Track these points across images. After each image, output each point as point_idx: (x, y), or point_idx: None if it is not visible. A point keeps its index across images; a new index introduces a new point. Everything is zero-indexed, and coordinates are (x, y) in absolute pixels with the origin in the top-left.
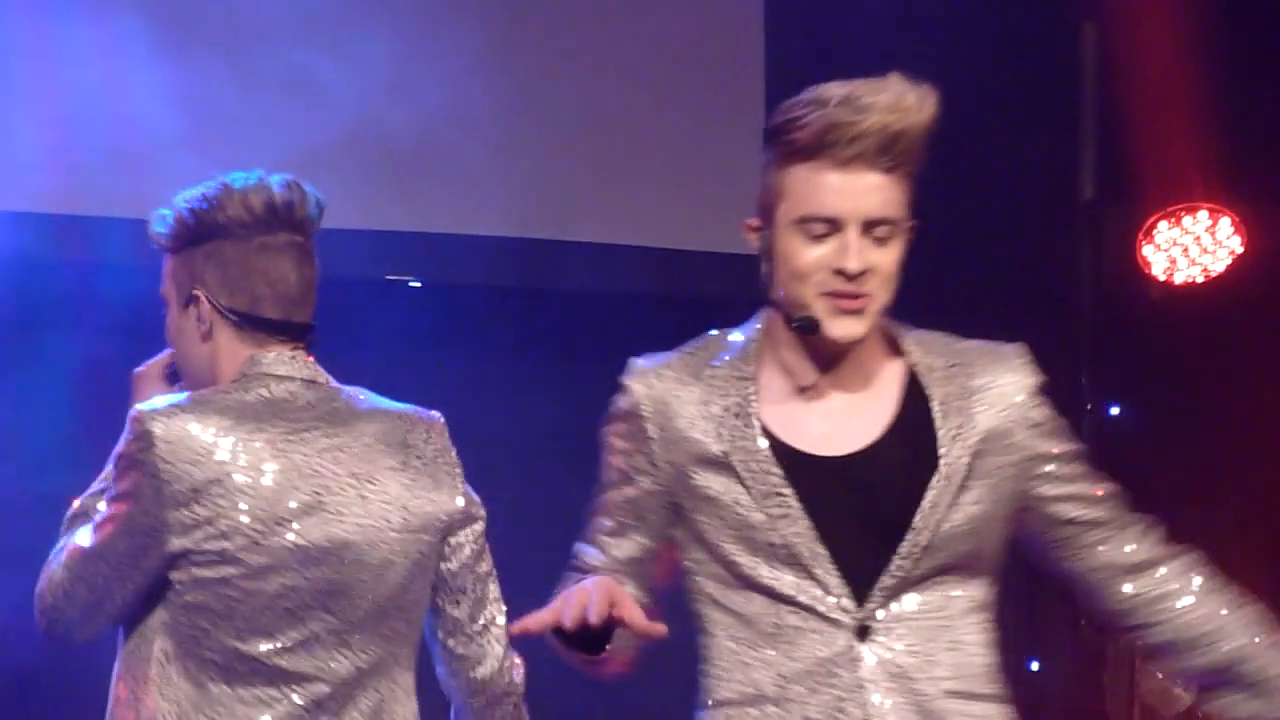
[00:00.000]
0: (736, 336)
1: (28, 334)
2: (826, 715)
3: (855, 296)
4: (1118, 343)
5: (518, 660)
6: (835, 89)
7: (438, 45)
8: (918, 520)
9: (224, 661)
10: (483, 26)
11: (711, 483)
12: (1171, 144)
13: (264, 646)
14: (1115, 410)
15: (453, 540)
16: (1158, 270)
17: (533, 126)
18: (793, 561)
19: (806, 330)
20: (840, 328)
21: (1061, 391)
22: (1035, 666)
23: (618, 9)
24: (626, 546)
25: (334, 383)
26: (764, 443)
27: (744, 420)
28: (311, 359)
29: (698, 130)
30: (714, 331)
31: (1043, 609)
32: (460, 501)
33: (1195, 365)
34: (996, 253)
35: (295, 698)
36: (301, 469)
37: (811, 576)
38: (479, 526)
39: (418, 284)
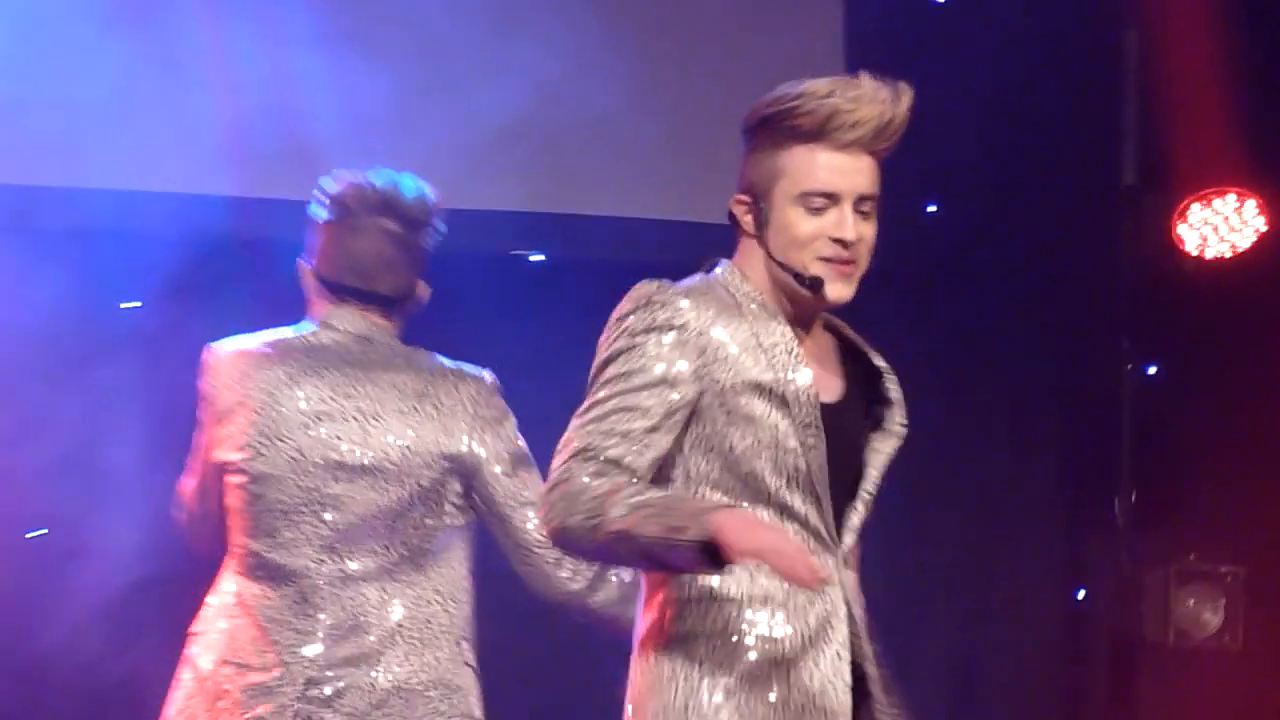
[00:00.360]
0: (731, 283)
1: (215, 304)
2: (820, 625)
3: (848, 262)
4: (1155, 310)
5: (581, 570)
6: (820, 84)
7: (558, 40)
8: (881, 474)
9: (241, 557)
10: (596, 18)
11: (755, 406)
12: (1204, 135)
13: (264, 543)
14: (1152, 370)
15: (475, 481)
16: (1191, 247)
17: (646, 115)
18: (808, 487)
19: (815, 289)
20: (836, 290)
21: (1105, 353)
22: (1080, 595)
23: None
24: (660, 445)
25: (395, 343)
26: (810, 380)
27: (794, 357)
28: (383, 322)
29: None
30: (699, 277)
31: (1086, 544)
32: (468, 447)
33: (1223, 330)
34: (1048, 232)
35: (286, 590)
36: (309, 397)
37: (819, 503)
38: (493, 469)
39: (541, 257)
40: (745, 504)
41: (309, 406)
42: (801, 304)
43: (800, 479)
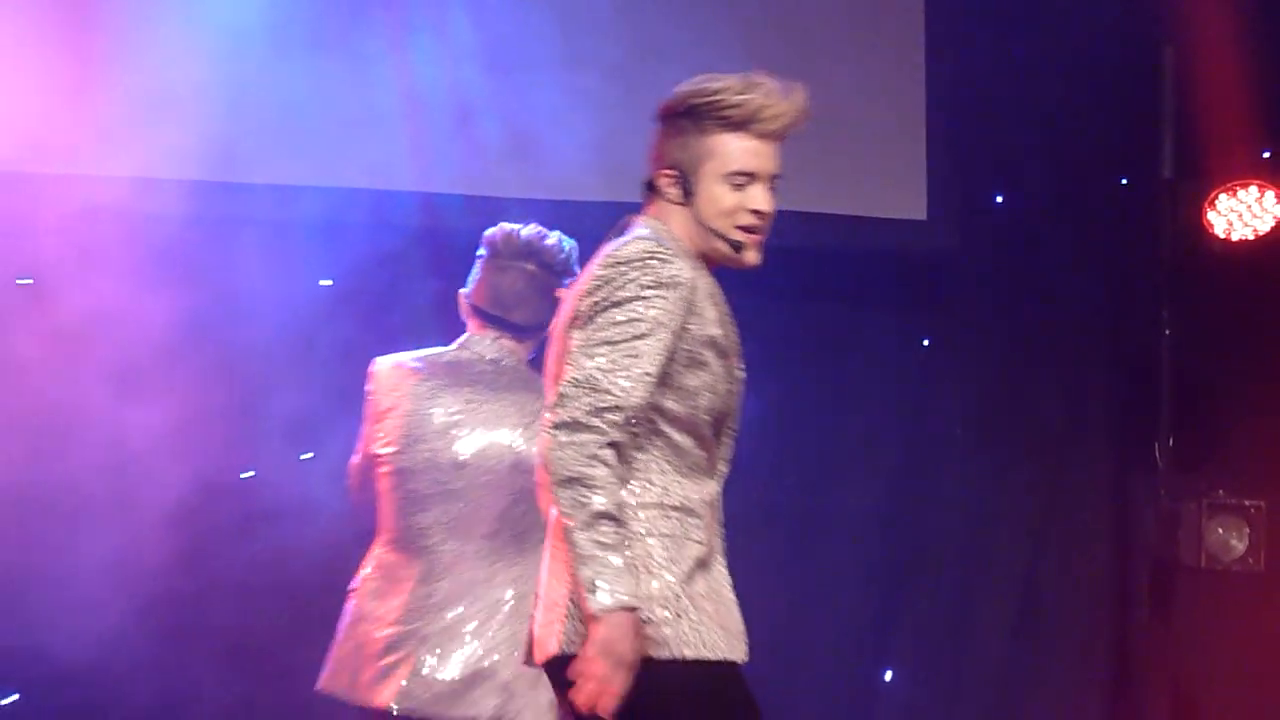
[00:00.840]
0: (672, 244)
1: (409, 286)
2: (714, 537)
3: (757, 231)
4: (1189, 283)
5: None
6: (733, 81)
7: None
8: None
9: (385, 531)
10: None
11: (708, 355)
12: (1230, 136)
13: (402, 523)
14: (1185, 334)
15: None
16: (1219, 230)
17: None
18: (720, 425)
19: (738, 250)
20: (750, 255)
21: (1147, 320)
22: (1126, 525)
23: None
24: (656, 382)
25: (521, 367)
26: (738, 339)
27: (730, 316)
28: (515, 346)
29: (864, 110)
30: (647, 231)
31: (1131, 482)
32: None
33: (1246, 300)
34: (1100, 217)
35: (416, 562)
36: (445, 408)
37: (723, 439)
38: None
39: None
40: (684, 433)
41: (445, 417)
42: (713, 264)
43: (719, 418)
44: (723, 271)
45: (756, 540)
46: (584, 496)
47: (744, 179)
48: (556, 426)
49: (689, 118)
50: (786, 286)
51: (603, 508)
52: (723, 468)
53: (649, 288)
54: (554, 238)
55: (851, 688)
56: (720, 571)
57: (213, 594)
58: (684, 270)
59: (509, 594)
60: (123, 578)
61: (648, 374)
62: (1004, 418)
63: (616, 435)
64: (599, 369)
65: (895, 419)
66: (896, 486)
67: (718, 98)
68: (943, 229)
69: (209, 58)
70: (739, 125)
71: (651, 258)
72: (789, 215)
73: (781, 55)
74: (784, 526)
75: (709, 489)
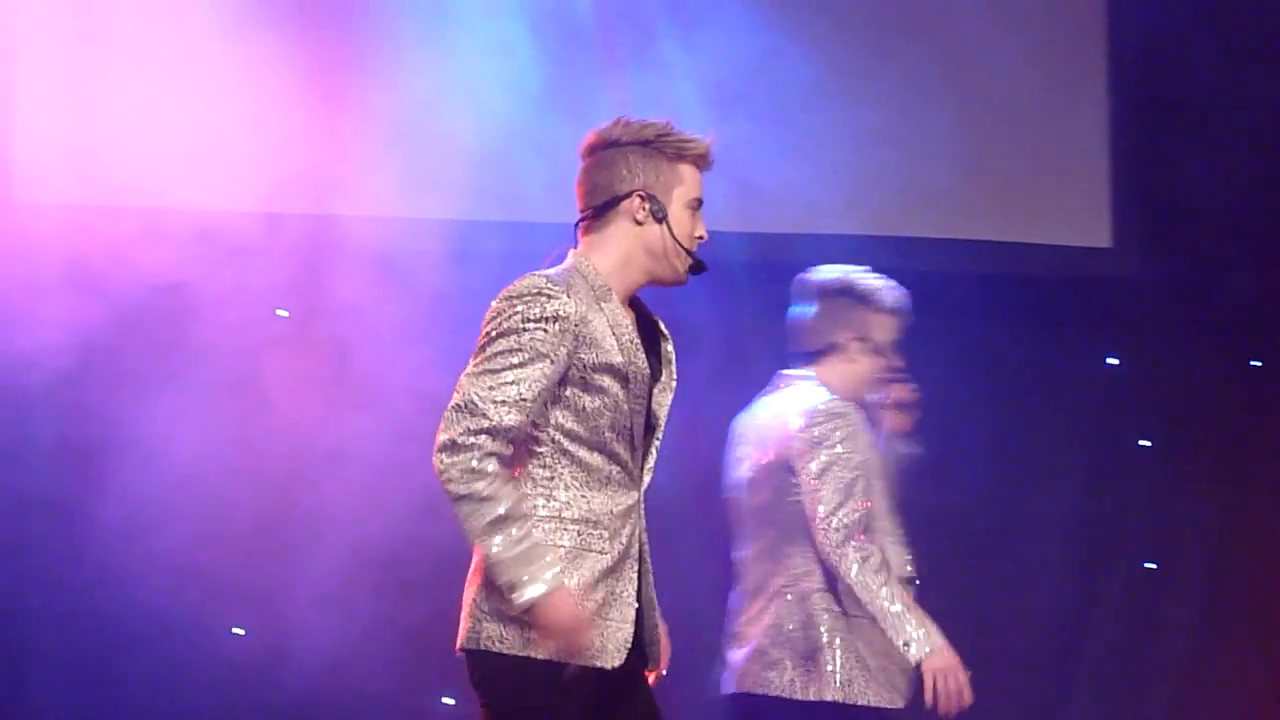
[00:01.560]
0: (589, 275)
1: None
2: (629, 544)
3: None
4: None
5: (852, 547)
6: (670, 122)
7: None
8: (664, 423)
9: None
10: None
11: (607, 380)
12: None
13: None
14: None
15: (797, 479)
16: None
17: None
18: (629, 440)
19: (696, 271)
20: (688, 272)
21: None
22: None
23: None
24: (538, 408)
25: (775, 392)
26: (645, 363)
27: (635, 345)
28: (808, 370)
29: (1051, 147)
30: (564, 266)
31: (1243, 470)
32: (799, 459)
33: None
34: (1271, 242)
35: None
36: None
37: (634, 451)
38: (807, 468)
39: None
40: (592, 451)
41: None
42: (639, 283)
43: (626, 434)
44: (931, 305)
45: (954, 538)
46: (478, 509)
47: (697, 206)
48: (440, 449)
49: (655, 146)
50: (988, 311)
51: (497, 514)
52: (648, 477)
53: (531, 320)
54: (819, 274)
55: (1040, 680)
56: (630, 578)
57: (449, 605)
58: (568, 305)
59: (790, 559)
60: (366, 588)
61: (523, 399)
62: (1187, 431)
63: (493, 448)
64: (478, 394)
65: (1086, 431)
66: (1086, 493)
67: (678, 133)
68: (1125, 255)
69: (454, 106)
70: (696, 160)
71: (540, 293)
72: (991, 245)
73: (973, 93)
74: (981, 526)
75: (624, 500)
